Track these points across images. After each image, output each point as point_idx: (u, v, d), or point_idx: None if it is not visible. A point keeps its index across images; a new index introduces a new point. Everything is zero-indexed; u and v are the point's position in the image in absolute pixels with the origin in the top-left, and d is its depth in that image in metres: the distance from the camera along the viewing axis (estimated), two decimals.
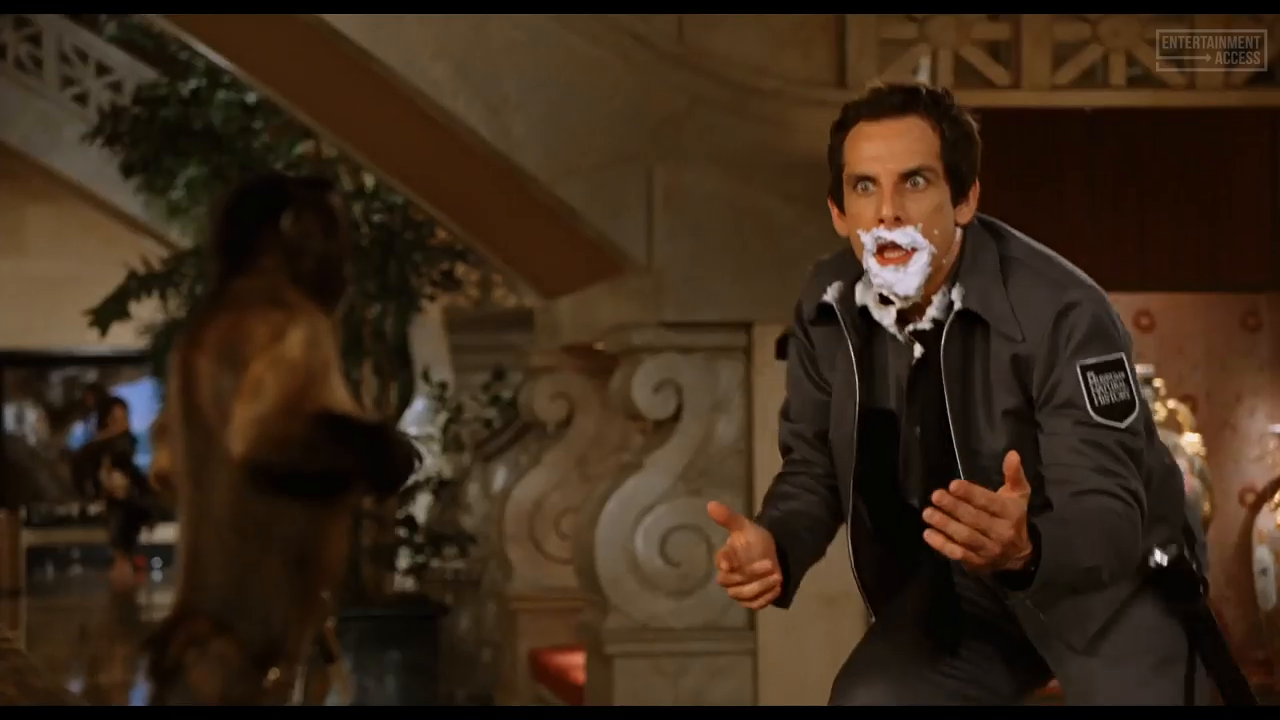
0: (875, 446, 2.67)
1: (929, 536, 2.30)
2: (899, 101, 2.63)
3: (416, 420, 11.30)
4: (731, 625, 6.48)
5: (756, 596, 2.56)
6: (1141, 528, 2.54)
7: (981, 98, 6.58)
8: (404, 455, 1.73)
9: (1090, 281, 2.65)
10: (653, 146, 6.50)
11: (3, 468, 18.15)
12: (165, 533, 18.97)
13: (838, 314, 2.67)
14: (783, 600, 2.63)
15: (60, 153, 14.73)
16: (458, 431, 10.51)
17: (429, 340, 12.09)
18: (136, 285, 10.26)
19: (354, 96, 7.11)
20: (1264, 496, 6.44)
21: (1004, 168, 5.98)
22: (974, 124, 2.70)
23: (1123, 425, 2.54)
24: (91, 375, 19.83)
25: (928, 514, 2.29)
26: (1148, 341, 6.42)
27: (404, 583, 9.96)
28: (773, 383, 6.47)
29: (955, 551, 2.30)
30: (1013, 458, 2.32)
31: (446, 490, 10.10)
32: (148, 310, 12.23)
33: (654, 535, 6.45)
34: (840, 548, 7.11)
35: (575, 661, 7.21)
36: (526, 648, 7.94)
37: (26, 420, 19.78)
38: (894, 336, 2.66)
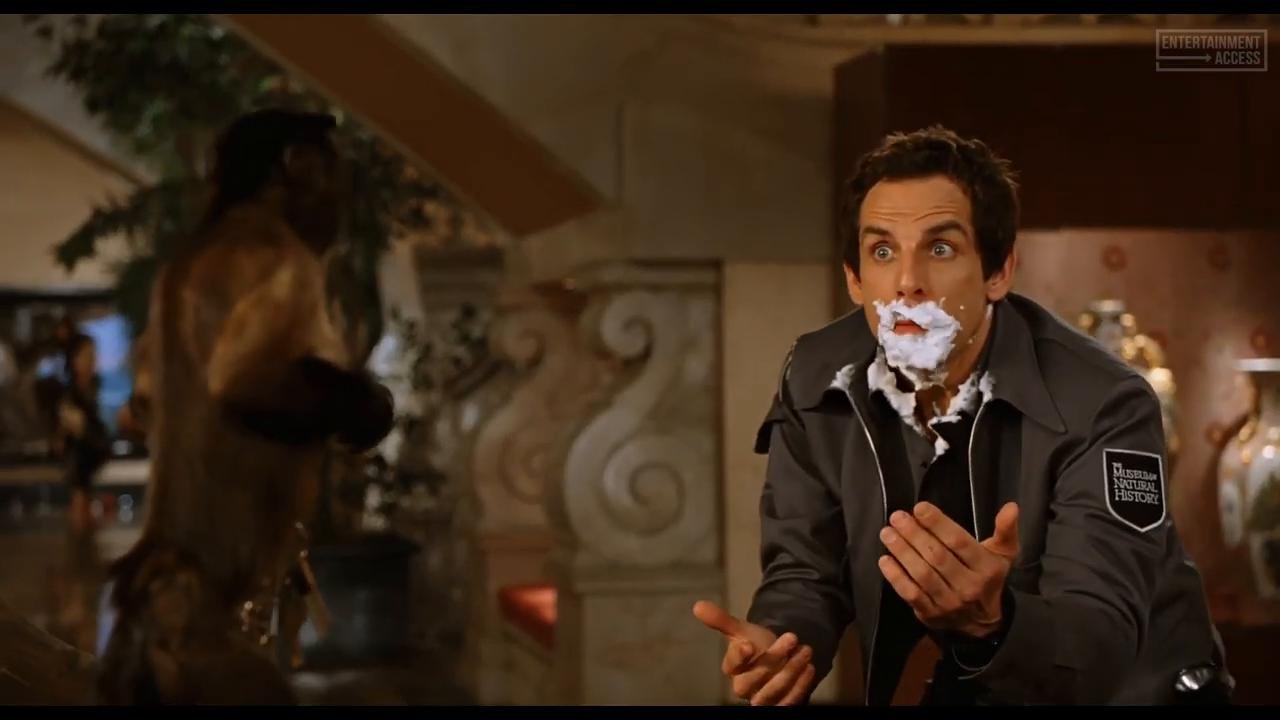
0: None
1: (883, 564, 2.00)
2: (923, 159, 2.28)
3: (386, 358, 11.27)
4: (701, 563, 6.49)
5: (790, 686, 2.15)
6: (1135, 652, 2.20)
7: (953, 34, 6.56)
8: (382, 408, 1.72)
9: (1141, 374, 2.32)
10: (622, 82, 6.46)
11: None
12: (135, 471, 18.95)
13: (851, 402, 2.33)
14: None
15: (24, 88, 14.58)
16: (427, 370, 10.48)
17: (398, 278, 12.05)
18: (102, 222, 10.18)
19: (321, 31, 7.05)
20: (1230, 433, 6.46)
21: (975, 106, 5.96)
22: (1011, 184, 2.34)
23: (1141, 530, 2.21)
24: (58, 313, 19.74)
25: (884, 534, 1.99)
26: (1117, 279, 6.42)
27: (374, 521, 9.96)
28: (743, 321, 6.47)
29: (908, 590, 1.98)
30: (1010, 509, 2.03)
31: (416, 429, 10.09)
32: (115, 248, 12.17)
33: (623, 473, 6.45)
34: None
35: (545, 600, 7.21)
36: (497, 586, 7.95)
37: None
38: (910, 428, 2.33)
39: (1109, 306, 6.21)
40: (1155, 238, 6.48)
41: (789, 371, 2.45)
